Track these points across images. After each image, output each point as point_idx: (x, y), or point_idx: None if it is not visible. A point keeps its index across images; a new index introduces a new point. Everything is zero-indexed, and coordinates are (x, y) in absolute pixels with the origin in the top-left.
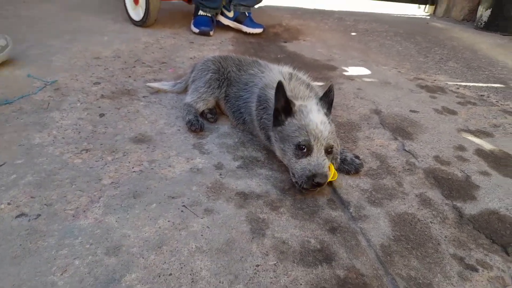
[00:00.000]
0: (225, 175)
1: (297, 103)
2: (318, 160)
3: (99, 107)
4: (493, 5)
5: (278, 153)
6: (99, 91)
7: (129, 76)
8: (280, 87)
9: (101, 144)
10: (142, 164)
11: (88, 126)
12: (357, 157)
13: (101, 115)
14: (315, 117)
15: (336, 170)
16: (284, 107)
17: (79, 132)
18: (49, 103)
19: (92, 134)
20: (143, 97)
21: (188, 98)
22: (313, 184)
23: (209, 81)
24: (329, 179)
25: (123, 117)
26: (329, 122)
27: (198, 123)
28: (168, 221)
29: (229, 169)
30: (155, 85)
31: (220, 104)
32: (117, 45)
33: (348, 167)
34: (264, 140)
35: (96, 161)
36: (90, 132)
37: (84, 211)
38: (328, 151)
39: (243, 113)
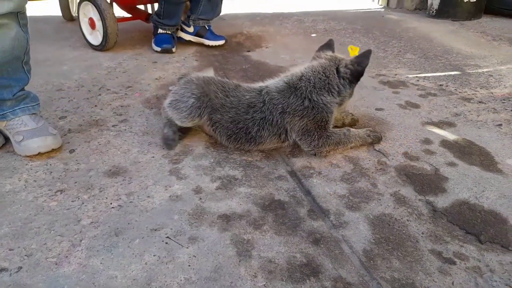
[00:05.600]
0: (205, 198)
1: None
2: None
3: (68, 142)
4: None
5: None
6: (66, 125)
7: (95, 106)
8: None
9: (75, 183)
10: (120, 198)
11: (59, 164)
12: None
13: (71, 151)
14: None
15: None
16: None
17: (51, 173)
18: None
19: (64, 173)
20: (113, 126)
21: (169, 112)
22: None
23: (190, 108)
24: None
25: (94, 150)
26: None
27: (174, 142)
28: (154, 255)
29: (208, 192)
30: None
31: (205, 129)
32: (79, 73)
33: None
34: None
35: (72, 201)
36: (62, 170)
37: (67, 256)
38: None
39: (251, 131)
